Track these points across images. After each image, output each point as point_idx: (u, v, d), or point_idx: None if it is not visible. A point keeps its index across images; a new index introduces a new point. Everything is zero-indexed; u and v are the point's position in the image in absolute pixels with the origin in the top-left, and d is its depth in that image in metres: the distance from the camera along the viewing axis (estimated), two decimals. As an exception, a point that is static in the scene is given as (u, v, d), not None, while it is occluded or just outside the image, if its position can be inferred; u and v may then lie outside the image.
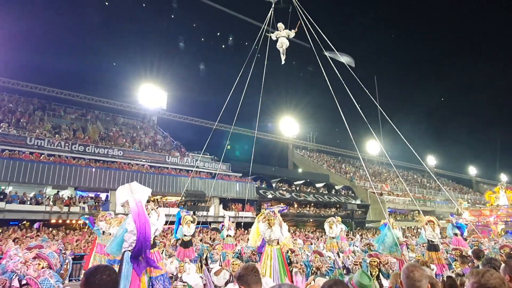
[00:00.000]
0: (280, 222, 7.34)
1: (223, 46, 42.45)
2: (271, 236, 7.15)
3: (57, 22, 32.78)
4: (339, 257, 9.67)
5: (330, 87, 9.03)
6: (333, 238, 12.29)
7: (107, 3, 35.48)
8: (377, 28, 53.45)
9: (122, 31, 38.98)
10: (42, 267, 3.71)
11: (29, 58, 29.12)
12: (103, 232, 9.50)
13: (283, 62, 9.55)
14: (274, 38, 9.46)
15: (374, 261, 6.31)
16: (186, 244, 9.51)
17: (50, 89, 28.36)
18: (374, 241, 9.85)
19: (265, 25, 9.52)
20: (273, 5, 9.49)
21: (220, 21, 40.24)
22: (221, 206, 24.96)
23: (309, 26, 9.14)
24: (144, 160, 23.67)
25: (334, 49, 9.65)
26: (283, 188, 31.08)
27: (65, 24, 33.62)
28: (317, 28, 9.15)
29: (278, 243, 7.18)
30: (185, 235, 9.63)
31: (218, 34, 42.40)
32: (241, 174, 27.15)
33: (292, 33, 9.35)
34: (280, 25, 9.43)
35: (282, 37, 9.32)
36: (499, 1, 50.72)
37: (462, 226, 12.45)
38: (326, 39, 9.23)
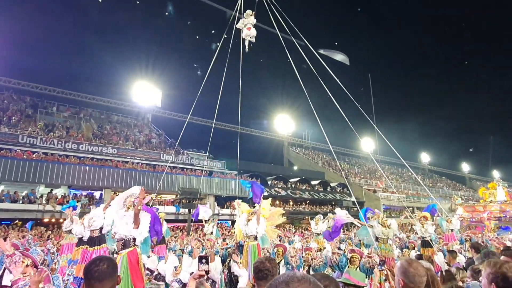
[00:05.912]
0: (258, 217, 7.24)
1: (218, 44, 42.27)
2: (247, 232, 7.19)
3: (50, 19, 32.31)
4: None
5: (302, 84, 8.75)
6: (318, 234, 12.22)
7: (100, 0, 35.08)
8: (371, 25, 53.67)
9: (116, 27, 38.58)
10: (27, 265, 3.66)
11: (21, 56, 28.73)
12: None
13: (246, 50, 8.87)
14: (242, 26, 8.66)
15: (355, 257, 6.14)
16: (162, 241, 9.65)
17: (42, 87, 27.98)
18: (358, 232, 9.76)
19: (235, 12, 8.73)
20: None
21: (213, 19, 40.01)
22: (216, 203, 24.89)
23: (277, 16, 8.47)
24: (139, 158, 23.48)
25: (305, 40, 9.26)
26: (279, 186, 31.06)
27: (58, 22, 33.16)
28: (285, 16, 8.50)
29: (255, 238, 7.14)
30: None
31: (213, 32, 42.16)
32: (236, 172, 27.06)
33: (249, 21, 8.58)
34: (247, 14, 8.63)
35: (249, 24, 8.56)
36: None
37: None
38: (294, 27, 8.60)
